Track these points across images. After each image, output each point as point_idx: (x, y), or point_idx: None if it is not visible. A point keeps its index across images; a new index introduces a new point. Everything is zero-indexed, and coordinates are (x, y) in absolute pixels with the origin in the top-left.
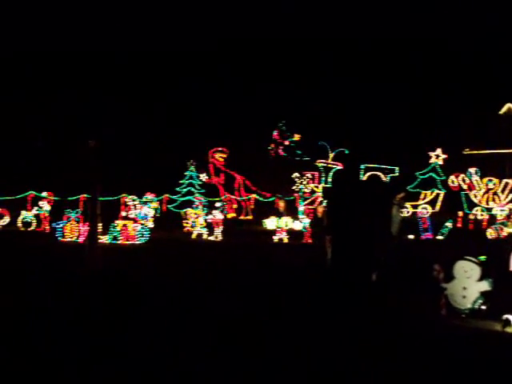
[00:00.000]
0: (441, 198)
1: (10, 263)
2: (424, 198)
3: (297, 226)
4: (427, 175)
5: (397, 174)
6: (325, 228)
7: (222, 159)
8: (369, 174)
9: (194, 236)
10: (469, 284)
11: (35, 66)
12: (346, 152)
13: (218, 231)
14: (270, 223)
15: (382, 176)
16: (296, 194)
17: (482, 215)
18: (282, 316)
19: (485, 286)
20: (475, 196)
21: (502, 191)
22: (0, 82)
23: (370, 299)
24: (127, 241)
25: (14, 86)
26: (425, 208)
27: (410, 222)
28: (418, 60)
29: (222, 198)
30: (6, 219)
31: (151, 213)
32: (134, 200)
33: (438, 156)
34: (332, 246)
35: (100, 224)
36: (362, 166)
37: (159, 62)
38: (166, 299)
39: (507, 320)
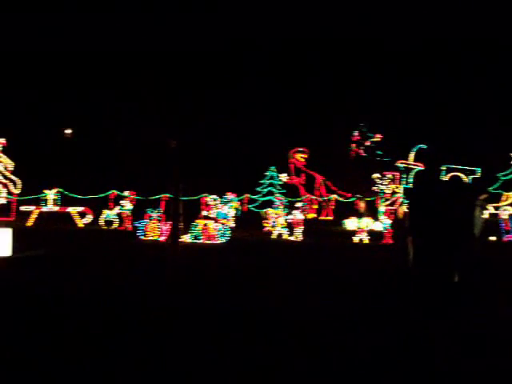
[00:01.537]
0: None
1: (94, 262)
2: (506, 200)
3: (377, 226)
4: (509, 176)
5: (478, 175)
6: (406, 229)
7: (302, 159)
8: (450, 174)
9: (274, 236)
10: None
11: (115, 67)
12: (428, 152)
13: (299, 231)
14: (351, 224)
15: (464, 177)
16: (376, 195)
17: None
18: (368, 315)
19: None
20: None
21: None
22: (83, 84)
23: (452, 299)
24: (208, 240)
25: (95, 87)
26: (507, 210)
27: (492, 224)
28: (505, 60)
29: (303, 198)
30: (89, 218)
31: (232, 212)
32: (214, 200)
33: None
34: (414, 246)
35: (181, 223)
36: (444, 167)
37: (239, 63)
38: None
39: None
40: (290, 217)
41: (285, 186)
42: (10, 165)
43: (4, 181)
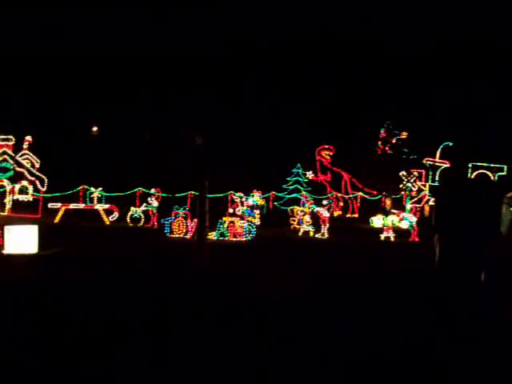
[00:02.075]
0: None
1: (122, 260)
2: None
3: (404, 224)
4: None
5: (505, 173)
6: (432, 227)
7: (328, 157)
8: (477, 172)
9: (300, 233)
10: None
11: (143, 65)
12: (454, 150)
13: (325, 229)
14: (377, 221)
15: (490, 174)
16: (403, 192)
17: None
18: (391, 313)
19: None
20: None
21: None
22: (109, 82)
23: (479, 299)
24: (234, 237)
25: (122, 85)
26: None
27: None
28: None
29: (329, 195)
30: (115, 215)
31: (258, 210)
32: (240, 197)
33: None
34: (440, 244)
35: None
36: (470, 165)
37: (272, 63)
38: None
39: None
40: (315, 208)
41: (311, 183)
42: (37, 162)
43: (31, 178)
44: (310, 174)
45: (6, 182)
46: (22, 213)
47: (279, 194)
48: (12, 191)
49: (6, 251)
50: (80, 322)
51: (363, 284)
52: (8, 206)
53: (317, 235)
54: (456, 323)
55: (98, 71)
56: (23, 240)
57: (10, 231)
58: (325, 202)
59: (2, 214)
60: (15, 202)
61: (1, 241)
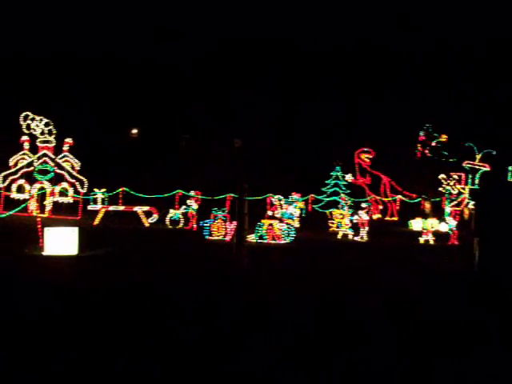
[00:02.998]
0: None
1: (159, 260)
2: None
3: (443, 227)
4: None
5: None
6: (473, 230)
7: (367, 160)
8: None
9: (339, 236)
10: None
11: (177, 68)
12: (494, 153)
13: (364, 232)
14: (416, 224)
15: None
16: (443, 196)
17: None
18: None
19: None
20: None
21: None
22: (147, 85)
23: None
24: (273, 240)
25: (160, 88)
26: None
27: None
28: None
29: (368, 198)
30: (155, 217)
31: (297, 212)
32: (279, 200)
33: None
34: (480, 248)
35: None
36: (510, 168)
37: (310, 63)
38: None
39: None
40: (355, 217)
41: (350, 186)
42: (77, 164)
43: (71, 180)
44: (349, 177)
45: (46, 184)
46: (62, 214)
47: (318, 197)
48: (52, 193)
49: (46, 252)
50: (115, 319)
51: (399, 285)
52: (48, 208)
53: (356, 238)
54: (494, 325)
55: (137, 73)
56: (63, 241)
57: (51, 233)
58: (364, 205)
59: (43, 215)
60: (55, 204)
61: (41, 242)
